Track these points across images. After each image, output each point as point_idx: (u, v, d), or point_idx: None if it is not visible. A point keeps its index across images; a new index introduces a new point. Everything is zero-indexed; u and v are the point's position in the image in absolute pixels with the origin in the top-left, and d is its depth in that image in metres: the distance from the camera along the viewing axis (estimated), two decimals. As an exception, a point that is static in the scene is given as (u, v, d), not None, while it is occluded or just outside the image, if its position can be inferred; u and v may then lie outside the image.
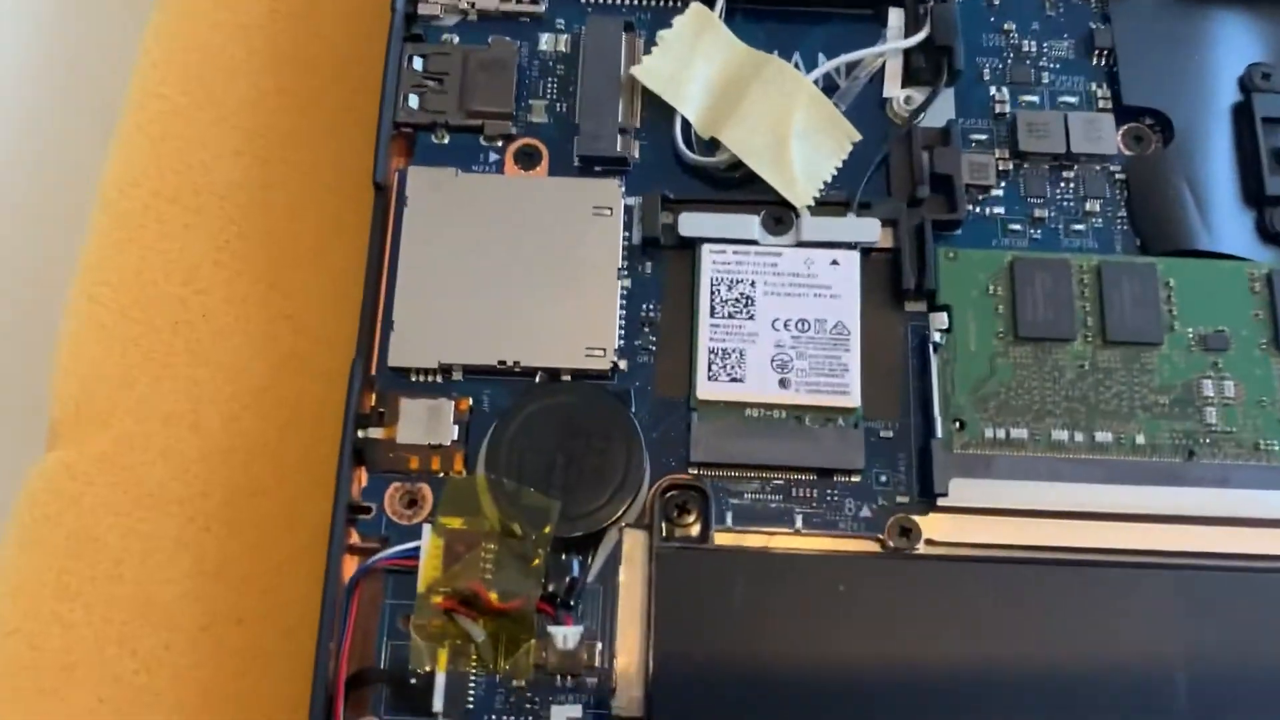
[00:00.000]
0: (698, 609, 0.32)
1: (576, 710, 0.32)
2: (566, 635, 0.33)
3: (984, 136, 0.38)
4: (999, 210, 0.38)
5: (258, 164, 0.41)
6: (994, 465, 0.34)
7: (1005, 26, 0.40)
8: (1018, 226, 0.38)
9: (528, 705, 0.32)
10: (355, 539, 0.34)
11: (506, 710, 0.32)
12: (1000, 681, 0.31)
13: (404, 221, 0.36)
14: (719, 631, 0.32)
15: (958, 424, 0.35)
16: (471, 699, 0.32)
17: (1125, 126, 0.39)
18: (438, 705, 0.32)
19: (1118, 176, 0.38)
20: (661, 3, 0.40)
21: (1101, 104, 0.39)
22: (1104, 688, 0.31)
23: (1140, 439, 0.34)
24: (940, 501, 0.34)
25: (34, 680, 0.35)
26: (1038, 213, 0.38)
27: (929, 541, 0.34)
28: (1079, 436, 0.34)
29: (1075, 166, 0.38)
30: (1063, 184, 0.38)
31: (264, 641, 0.36)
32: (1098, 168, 0.38)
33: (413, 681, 0.32)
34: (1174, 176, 0.38)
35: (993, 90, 0.39)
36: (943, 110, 0.38)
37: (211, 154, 0.41)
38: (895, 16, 0.39)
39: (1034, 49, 0.40)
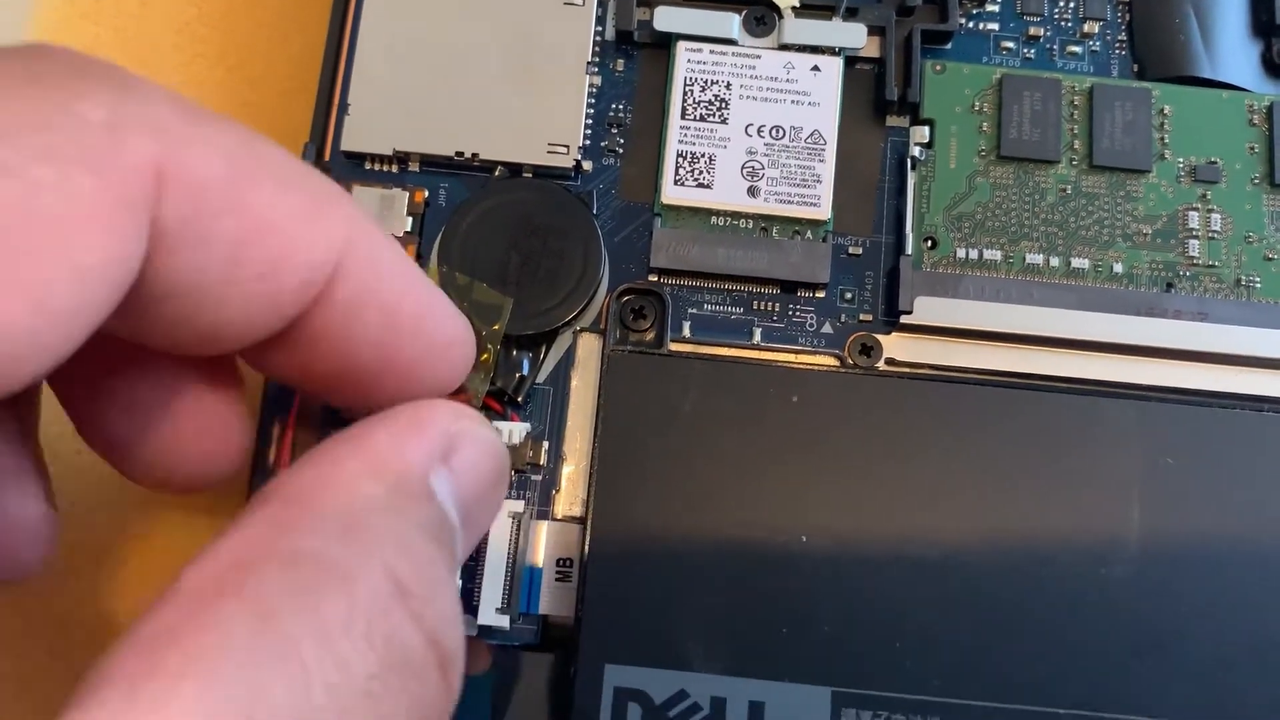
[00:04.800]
0: (646, 414, 0.31)
1: (519, 505, 0.31)
2: (512, 431, 0.32)
3: (985, -53, 0.36)
4: (993, 26, 0.36)
5: (220, -58, 0.39)
6: (963, 285, 0.33)
7: None
8: (1011, 44, 0.36)
9: (469, 499, 0.32)
10: (303, 328, 0.33)
11: (448, 503, 0.32)
12: (950, 504, 0.31)
13: (365, 3, 0.34)
14: (666, 438, 0.31)
15: (929, 242, 0.33)
16: (413, 490, 0.32)
17: (1135, -55, 0.37)
18: (377, 494, 0.32)
19: (1122, -2, 0.36)
20: None
21: (1113, -81, 0.37)
22: (1057, 517, 0.31)
23: (1118, 267, 0.33)
24: (904, 320, 0.33)
25: None
26: (1033, 30, 0.36)
27: (890, 361, 0.33)
28: (1054, 261, 0.33)
29: (1078, -16, 0.36)
30: (1062, 2, 0.36)
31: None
32: (1102, -13, 0.36)
33: (353, 469, 0.32)
34: (1182, 1, 0.36)
35: (998, -104, 0.37)
36: (943, -85, 0.36)
37: (171, -71, 0.39)
38: None
39: None
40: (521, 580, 0.31)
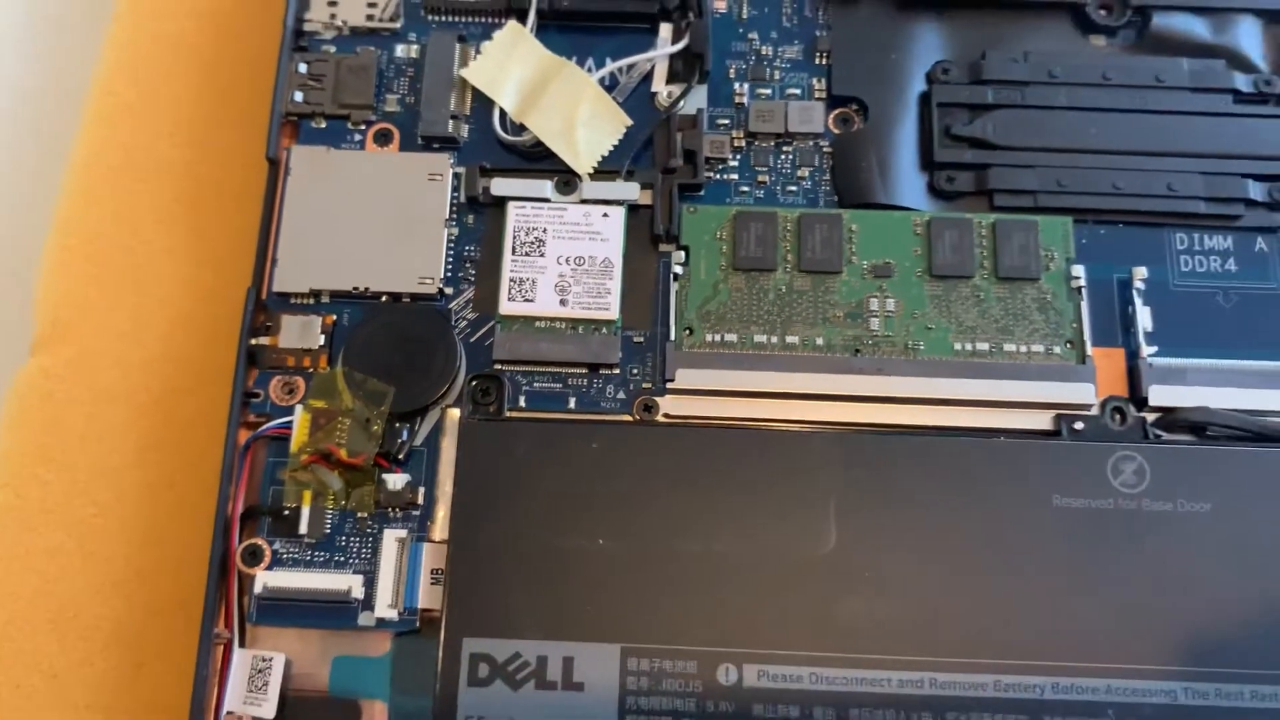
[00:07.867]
0: (492, 465, 0.45)
1: (403, 532, 0.45)
2: (396, 481, 0.45)
3: (726, 121, 0.51)
4: (733, 176, 0.50)
5: (190, 145, 0.54)
6: (711, 359, 0.47)
7: (750, 36, 0.52)
8: (746, 188, 0.50)
9: (368, 530, 0.45)
10: (250, 417, 0.47)
11: (353, 532, 0.45)
12: (702, 512, 0.44)
13: (288, 186, 0.49)
14: (506, 479, 0.44)
15: (688, 331, 0.47)
16: (329, 525, 0.45)
17: (835, 111, 0.51)
18: (303, 529, 0.45)
19: (825, 150, 0.51)
20: (488, 21, 0.52)
21: (818, 94, 0.51)
22: (777, 521, 0.44)
23: (820, 340, 0.47)
24: (669, 386, 0.46)
25: (19, 520, 0.48)
26: (761, 178, 0.50)
27: (666, 415, 0.47)
28: (774, 339, 0.47)
29: (793, 143, 0.51)
30: (783, 156, 0.51)
31: (191, 497, 0.49)
32: (810, 143, 0.51)
33: (285, 513, 0.45)
34: (868, 149, 0.50)
35: (736, 85, 0.51)
36: (696, 101, 0.51)
37: (154, 137, 0.54)
38: (664, 30, 0.51)
39: (771, 53, 0.52)
40: (405, 585, 0.44)
